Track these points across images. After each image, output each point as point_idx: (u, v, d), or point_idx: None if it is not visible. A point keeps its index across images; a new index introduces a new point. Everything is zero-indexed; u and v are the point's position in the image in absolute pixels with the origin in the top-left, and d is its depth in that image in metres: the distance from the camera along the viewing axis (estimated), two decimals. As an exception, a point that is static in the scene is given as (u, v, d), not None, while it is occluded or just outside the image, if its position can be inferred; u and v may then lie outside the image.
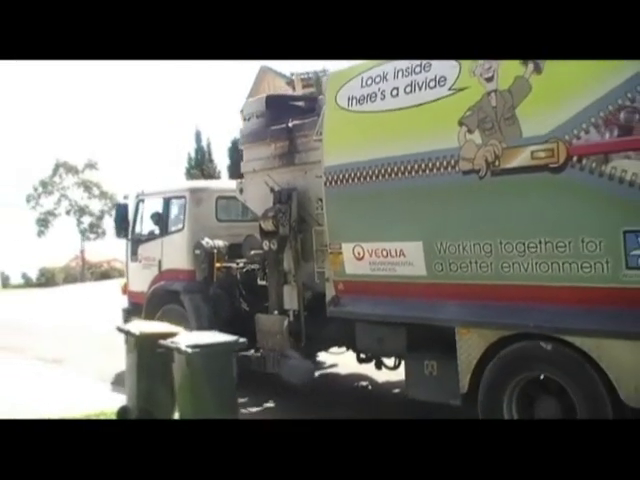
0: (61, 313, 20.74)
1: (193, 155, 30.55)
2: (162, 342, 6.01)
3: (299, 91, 20.99)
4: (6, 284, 44.88)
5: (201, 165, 29.46)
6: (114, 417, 6.97)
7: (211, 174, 28.14)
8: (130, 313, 10.59)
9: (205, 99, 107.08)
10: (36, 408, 7.67)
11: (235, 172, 25.95)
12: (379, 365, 7.90)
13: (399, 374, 7.59)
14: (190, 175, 27.94)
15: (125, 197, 10.86)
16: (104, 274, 45.68)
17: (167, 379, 6.19)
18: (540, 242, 5.13)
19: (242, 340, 6.01)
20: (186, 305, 9.06)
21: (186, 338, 6.04)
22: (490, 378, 5.56)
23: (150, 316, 9.71)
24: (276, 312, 7.94)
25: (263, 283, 8.31)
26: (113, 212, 10.77)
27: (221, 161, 31.86)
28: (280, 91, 22.21)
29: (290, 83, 24.88)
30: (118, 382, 9.42)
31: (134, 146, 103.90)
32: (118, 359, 10.98)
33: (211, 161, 30.51)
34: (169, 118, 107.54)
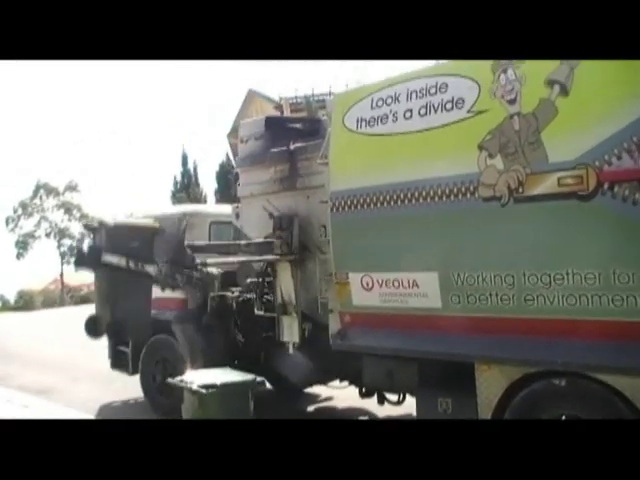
0: (42, 339, 20.08)
1: (179, 178, 30.24)
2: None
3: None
4: (-17, 307, 44.12)
5: (187, 188, 29.12)
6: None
7: (197, 198, 27.82)
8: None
9: (192, 122, 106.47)
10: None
11: (223, 197, 25.73)
12: (382, 400, 7.51)
13: (401, 409, 7.27)
14: (175, 198, 27.63)
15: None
16: (84, 298, 44.98)
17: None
18: (567, 273, 4.82)
19: (260, 379, 5.61)
20: (178, 335, 8.65)
21: (197, 376, 5.62)
22: (513, 417, 5.21)
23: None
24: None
25: (260, 313, 7.92)
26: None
27: (207, 185, 31.64)
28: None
29: (278, 107, 24.68)
30: (105, 415, 9.05)
31: (118, 168, 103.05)
32: (104, 390, 10.68)
33: (197, 185, 30.19)
34: (154, 141, 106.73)
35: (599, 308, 4.70)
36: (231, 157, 28.52)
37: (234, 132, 28.33)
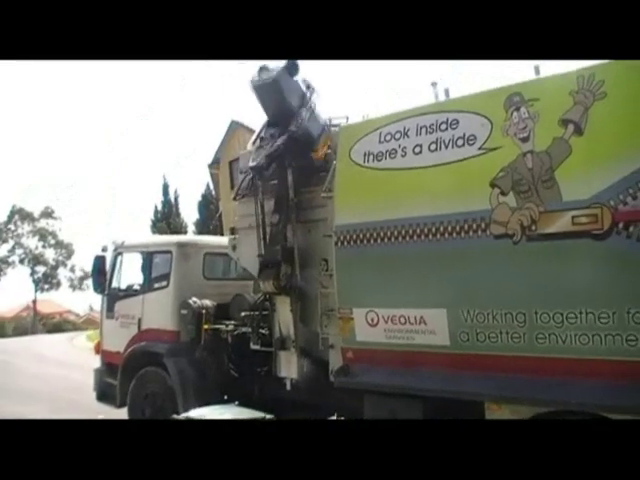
0: (18, 368, 19.65)
1: (160, 208, 30.01)
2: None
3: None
4: (-49, 333, 43.12)
5: (168, 218, 28.90)
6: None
7: (177, 228, 27.61)
8: (103, 374, 9.88)
9: (173, 151, 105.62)
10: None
11: (204, 228, 25.51)
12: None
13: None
14: (156, 228, 27.41)
15: (103, 249, 10.22)
16: (56, 326, 44.38)
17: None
18: (580, 312, 4.81)
19: (270, 416, 5.47)
20: (170, 369, 8.41)
21: (204, 413, 5.48)
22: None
23: (127, 379, 9.07)
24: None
25: (256, 347, 7.77)
26: (91, 264, 10.10)
27: (187, 215, 31.58)
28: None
29: (261, 139, 24.57)
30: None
31: (96, 196, 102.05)
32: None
33: (178, 215, 30.00)
34: (135, 169, 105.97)
35: (613, 348, 4.68)
36: (212, 188, 28.49)
37: (216, 163, 28.27)
